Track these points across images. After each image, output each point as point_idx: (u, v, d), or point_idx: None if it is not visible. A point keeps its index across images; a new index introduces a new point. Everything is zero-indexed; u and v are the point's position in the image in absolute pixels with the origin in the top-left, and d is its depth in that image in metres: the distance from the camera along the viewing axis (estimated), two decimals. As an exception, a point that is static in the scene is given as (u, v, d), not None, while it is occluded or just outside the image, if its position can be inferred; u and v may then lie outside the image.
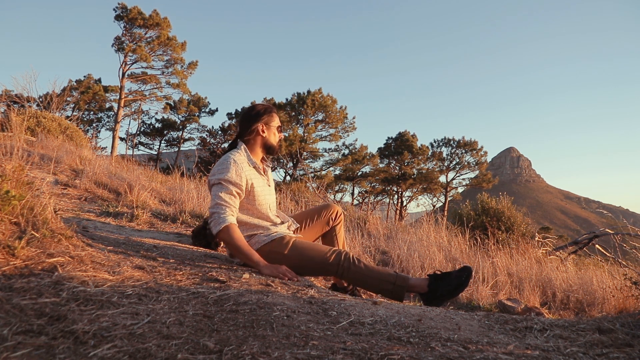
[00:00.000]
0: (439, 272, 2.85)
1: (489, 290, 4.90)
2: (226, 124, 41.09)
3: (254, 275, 2.40)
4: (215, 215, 2.62)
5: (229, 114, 40.83)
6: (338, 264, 2.72)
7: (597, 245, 9.10)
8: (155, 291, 1.77)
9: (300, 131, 38.54)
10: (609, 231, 9.07)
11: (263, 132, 2.96)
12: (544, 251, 8.75)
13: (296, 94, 38.36)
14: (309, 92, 38.12)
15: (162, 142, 43.37)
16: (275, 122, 3.02)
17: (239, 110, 39.63)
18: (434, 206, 46.32)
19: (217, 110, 42.75)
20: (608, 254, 8.73)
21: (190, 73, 36.07)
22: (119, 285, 1.74)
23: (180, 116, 42.02)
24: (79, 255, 1.97)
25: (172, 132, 43.07)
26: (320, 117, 39.05)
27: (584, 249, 9.21)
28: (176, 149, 42.80)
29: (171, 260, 2.51)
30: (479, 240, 6.86)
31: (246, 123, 2.95)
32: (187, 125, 42.48)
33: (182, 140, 42.85)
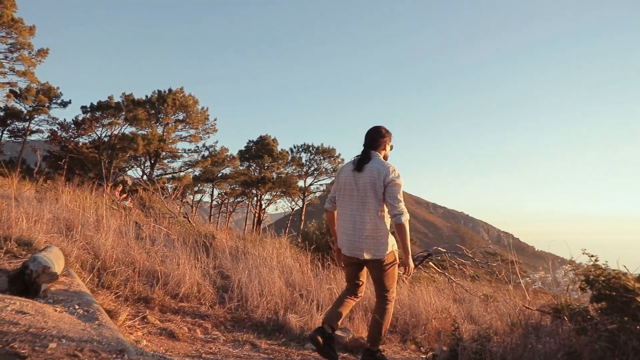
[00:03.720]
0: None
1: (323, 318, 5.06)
2: (80, 117, 38.29)
3: (63, 342, 2.33)
4: (403, 211, 3.54)
5: (83, 107, 37.87)
6: (393, 293, 3.83)
7: (430, 262, 9.82)
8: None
9: (159, 130, 37.25)
10: (441, 249, 9.85)
11: (386, 148, 3.90)
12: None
13: (157, 92, 36.86)
14: (170, 90, 36.89)
15: (5, 132, 39.49)
16: (392, 142, 3.98)
17: (94, 103, 37.26)
18: (292, 209, 47.04)
19: (70, 102, 39.46)
20: (439, 271, 9.46)
21: (40, 61, 33.27)
22: None
23: (27, 106, 38.37)
24: None
25: (16, 122, 39.31)
26: (180, 117, 38.02)
27: (424, 262, 9.85)
28: (21, 141, 39.13)
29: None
30: (322, 262, 7.06)
31: (380, 138, 3.84)
32: (35, 116, 38.86)
33: (28, 132, 39.24)
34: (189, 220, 10.42)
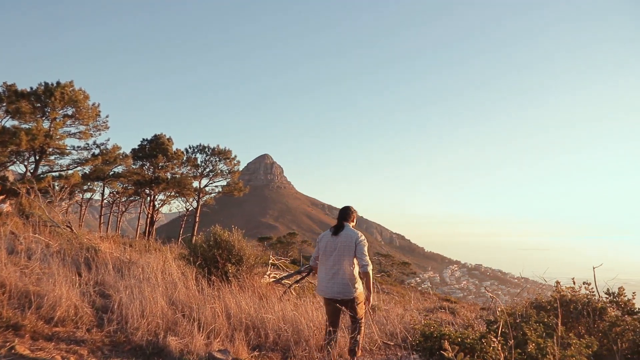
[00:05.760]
0: None
1: (204, 339, 4.98)
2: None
3: None
4: (368, 262, 5.10)
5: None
6: (363, 318, 5.23)
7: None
8: None
9: (45, 125, 34.94)
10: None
11: (354, 220, 5.64)
12: (271, 280, 9.34)
13: (43, 84, 34.59)
14: (58, 83, 34.78)
15: None
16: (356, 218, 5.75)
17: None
18: (187, 210, 46.18)
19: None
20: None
21: None
22: None
23: None
24: None
25: None
26: (69, 112, 35.88)
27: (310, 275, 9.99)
28: None
29: None
30: (208, 278, 6.98)
31: (350, 214, 5.58)
32: None
33: None
34: (72, 230, 9.98)
